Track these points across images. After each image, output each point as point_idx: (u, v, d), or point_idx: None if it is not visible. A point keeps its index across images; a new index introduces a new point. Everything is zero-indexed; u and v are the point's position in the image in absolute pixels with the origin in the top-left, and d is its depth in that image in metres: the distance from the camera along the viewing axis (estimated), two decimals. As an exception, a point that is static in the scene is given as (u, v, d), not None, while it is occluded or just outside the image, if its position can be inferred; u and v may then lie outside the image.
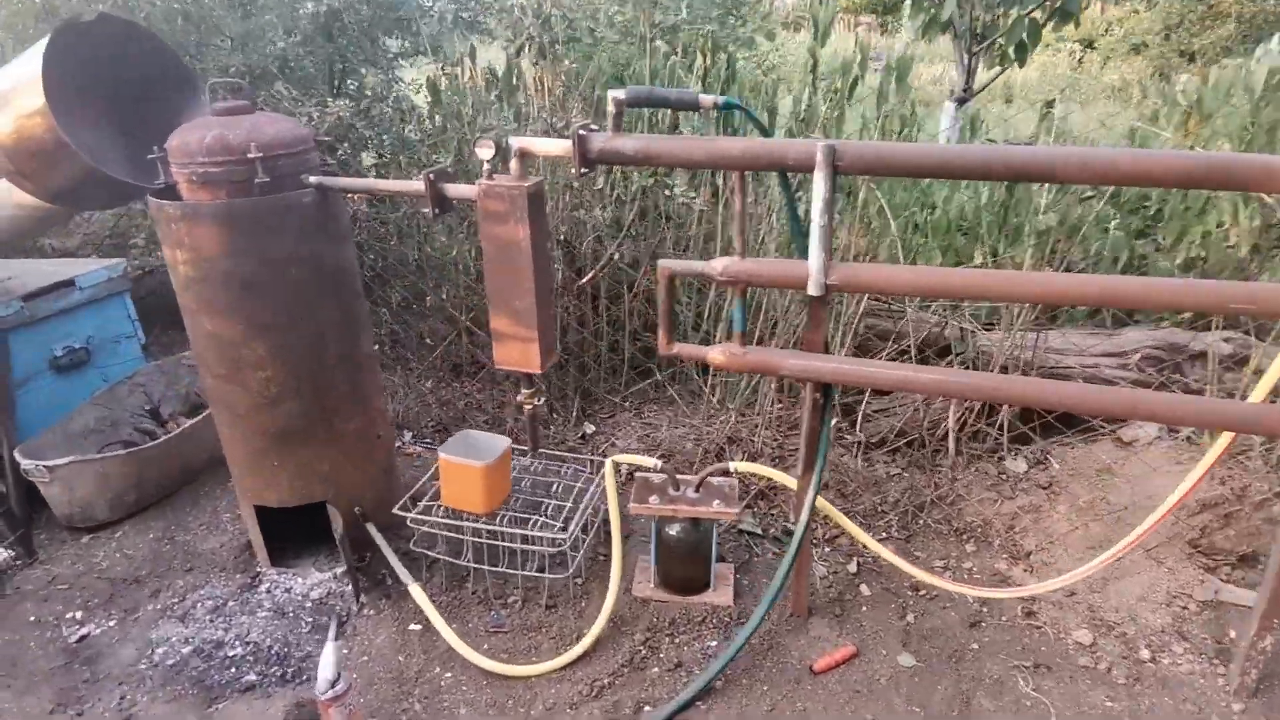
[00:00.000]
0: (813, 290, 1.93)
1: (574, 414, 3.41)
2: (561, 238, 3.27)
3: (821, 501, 2.34)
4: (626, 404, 3.55)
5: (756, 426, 3.15)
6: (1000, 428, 3.02)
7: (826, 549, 2.79)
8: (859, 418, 3.10)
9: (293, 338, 2.35)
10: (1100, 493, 2.79)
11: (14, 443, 2.94)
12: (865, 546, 2.59)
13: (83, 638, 2.46)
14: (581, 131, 1.95)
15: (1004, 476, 2.94)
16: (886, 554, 2.48)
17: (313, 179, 2.28)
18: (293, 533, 2.71)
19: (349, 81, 4.04)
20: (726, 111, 1.96)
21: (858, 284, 1.94)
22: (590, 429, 3.36)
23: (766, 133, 2.01)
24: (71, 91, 2.31)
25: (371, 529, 2.62)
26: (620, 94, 1.92)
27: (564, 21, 3.31)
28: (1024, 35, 3.86)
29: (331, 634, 2.28)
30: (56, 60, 2.25)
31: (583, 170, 2.00)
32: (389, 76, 3.97)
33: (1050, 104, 3.23)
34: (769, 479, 2.79)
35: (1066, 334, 3.23)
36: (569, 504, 2.62)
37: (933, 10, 4.17)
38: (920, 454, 3.05)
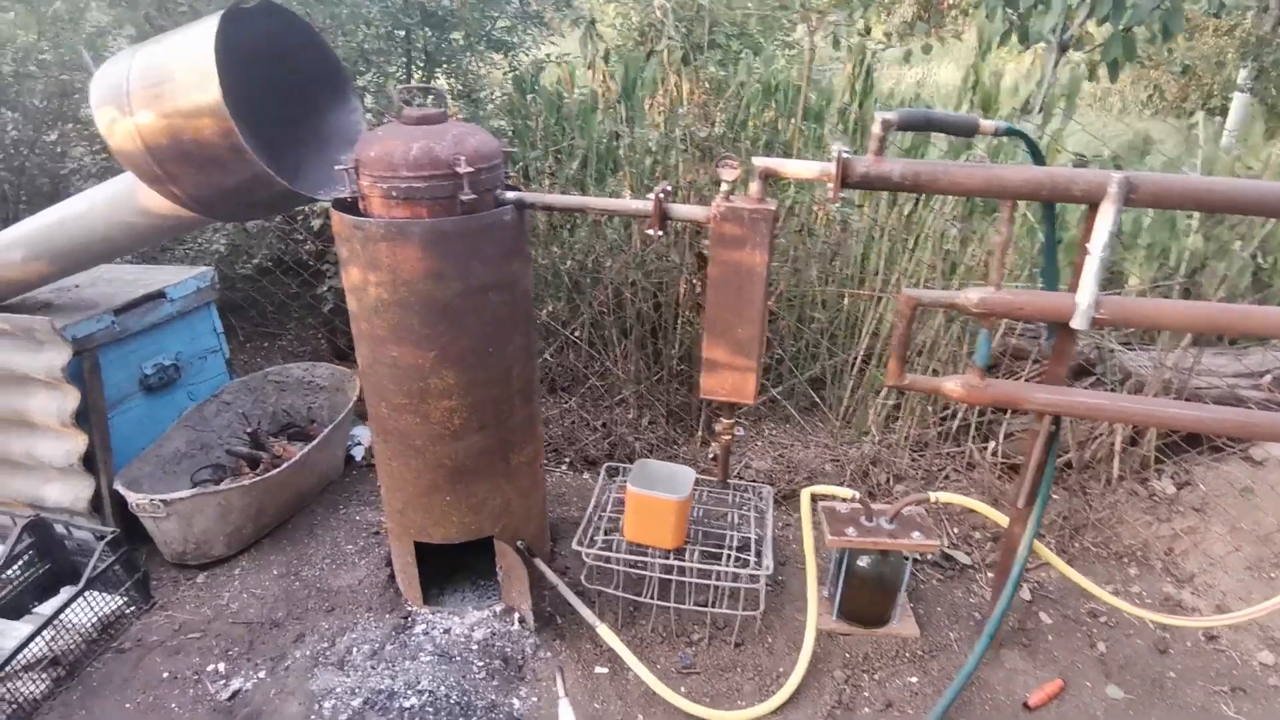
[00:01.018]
0: (1078, 324, 1.86)
1: (699, 433, 3.30)
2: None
3: (1038, 545, 2.29)
4: (744, 421, 3.45)
5: (894, 447, 3.10)
6: (1146, 448, 3.04)
7: (990, 574, 2.76)
8: (999, 437, 3.08)
9: (484, 367, 2.18)
10: (1248, 513, 2.83)
11: (112, 475, 2.67)
12: (1046, 566, 2.56)
13: (235, 694, 2.25)
14: (845, 154, 1.85)
15: (1155, 498, 2.96)
16: (1109, 598, 2.41)
17: (510, 195, 2.12)
18: (428, 568, 2.54)
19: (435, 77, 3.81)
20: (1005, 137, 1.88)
21: (1126, 318, 1.88)
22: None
23: (1040, 161, 1.94)
24: (231, 87, 2.07)
25: (541, 565, 2.46)
26: (891, 116, 1.82)
27: (707, 24, 3.17)
28: (1120, 51, 3.89)
29: (561, 689, 2.14)
30: (224, 50, 2.01)
31: (840, 196, 1.89)
32: (475, 74, 3.75)
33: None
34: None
35: (1198, 355, 3.26)
36: (752, 534, 2.51)
37: (1014, 18, 4.16)
38: (1067, 475, 3.04)
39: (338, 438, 3.11)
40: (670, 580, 2.42)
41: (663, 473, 2.44)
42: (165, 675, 2.30)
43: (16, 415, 2.62)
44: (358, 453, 3.37)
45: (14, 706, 2.13)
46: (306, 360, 3.58)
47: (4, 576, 2.44)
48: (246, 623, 2.49)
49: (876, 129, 1.84)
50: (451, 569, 2.62)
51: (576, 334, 3.42)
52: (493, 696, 2.23)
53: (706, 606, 2.42)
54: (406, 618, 2.51)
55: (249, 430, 3.07)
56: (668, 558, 2.38)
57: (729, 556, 2.42)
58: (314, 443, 2.90)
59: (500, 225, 2.09)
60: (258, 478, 2.70)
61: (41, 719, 2.16)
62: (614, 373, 3.43)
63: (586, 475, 3.25)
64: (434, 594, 2.57)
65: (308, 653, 2.38)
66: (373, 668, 2.33)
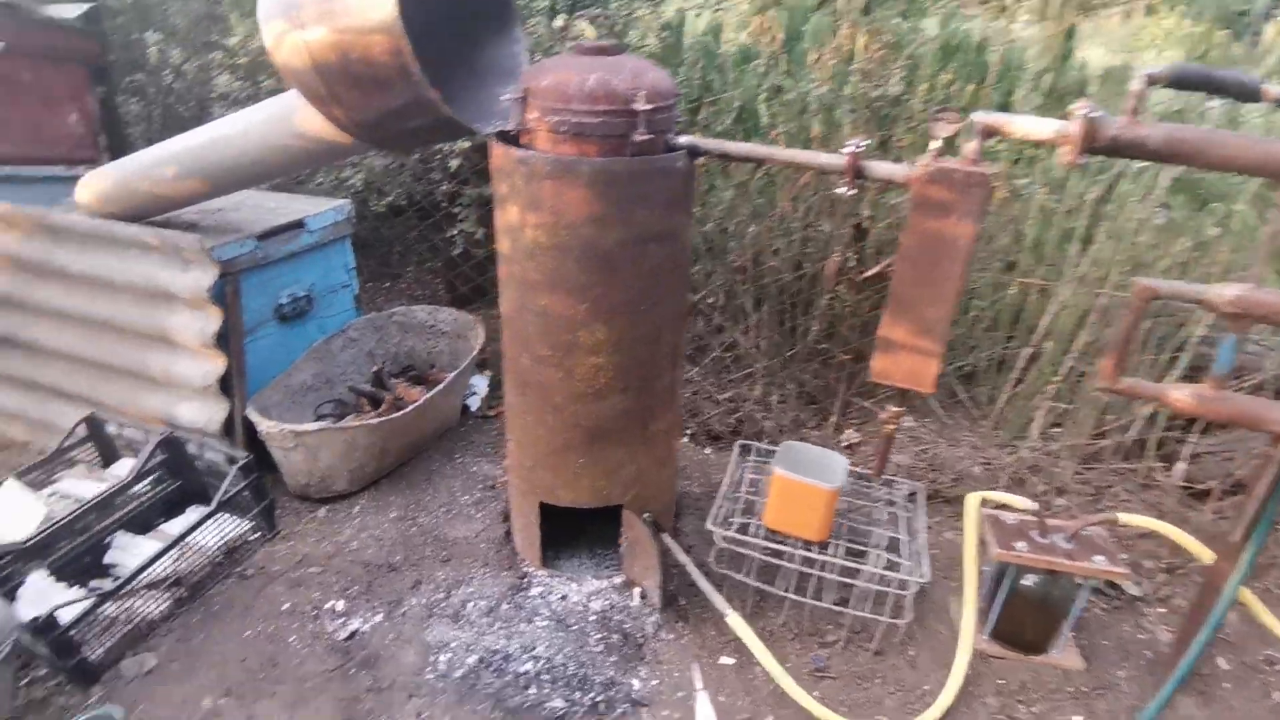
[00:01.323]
0: (1362, 337, 1.55)
1: (834, 418, 3.07)
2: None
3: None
4: (878, 409, 3.20)
5: (1056, 455, 2.80)
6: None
7: (1160, 609, 2.45)
8: (1185, 456, 2.73)
9: (637, 325, 2.02)
10: None
11: (245, 401, 2.67)
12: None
13: (352, 634, 2.20)
14: (1092, 114, 1.57)
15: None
16: None
17: (684, 139, 1.93)
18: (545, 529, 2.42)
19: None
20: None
21: None
22: (855, 437, 3.02)
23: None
24: (404, 7, 1.96)
25: (671, 543, 2.31)
26: (1160, 70, 1.53)
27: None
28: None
29: (698, 680, 2.00)
30: (395, -31, 1.90)
31: (1078, 162, 1.62)
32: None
33: None
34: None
35: None
36: (901, 534, 2.30)
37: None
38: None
39: (460, 385, 3.03)
40: (809, 574, 2.22)
41: (810, 457, 2.24)
42: (285, 607, 2.28)
43: (158, 332, 2.63)
44: (473, 403, 3.30)
45: (133, 625, 2.14)
46: (424, 305, 3.52)
47: (134, 491, 2.46)
48: (365, 563, 2.44)
49: (1137, 85, 1.56)
50: (567, 534, 2.50)
51: (709, 300, 3.23)
52: (611, 673, 2.11)
53: (845, 607, 2.22)
54: (523, 578, 2.41)
55: (374, 369, 3.03)
56: (809, 549, 2.19)
57: (878, 557, 2.21)
58: (439, 387, 2.83)
59: (671, 171, 1.91)
60: (384, 418, 2.64)
61: (159, 639, 2.17)
62: (744, 345, 3.23)
63: (709, 450, 3.08)
64: (549, 557, 2.46)
65: (423, 601, 2.32)
66: (488, 626, 2.24)
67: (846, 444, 3.00)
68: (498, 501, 2.73)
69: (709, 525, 2.23)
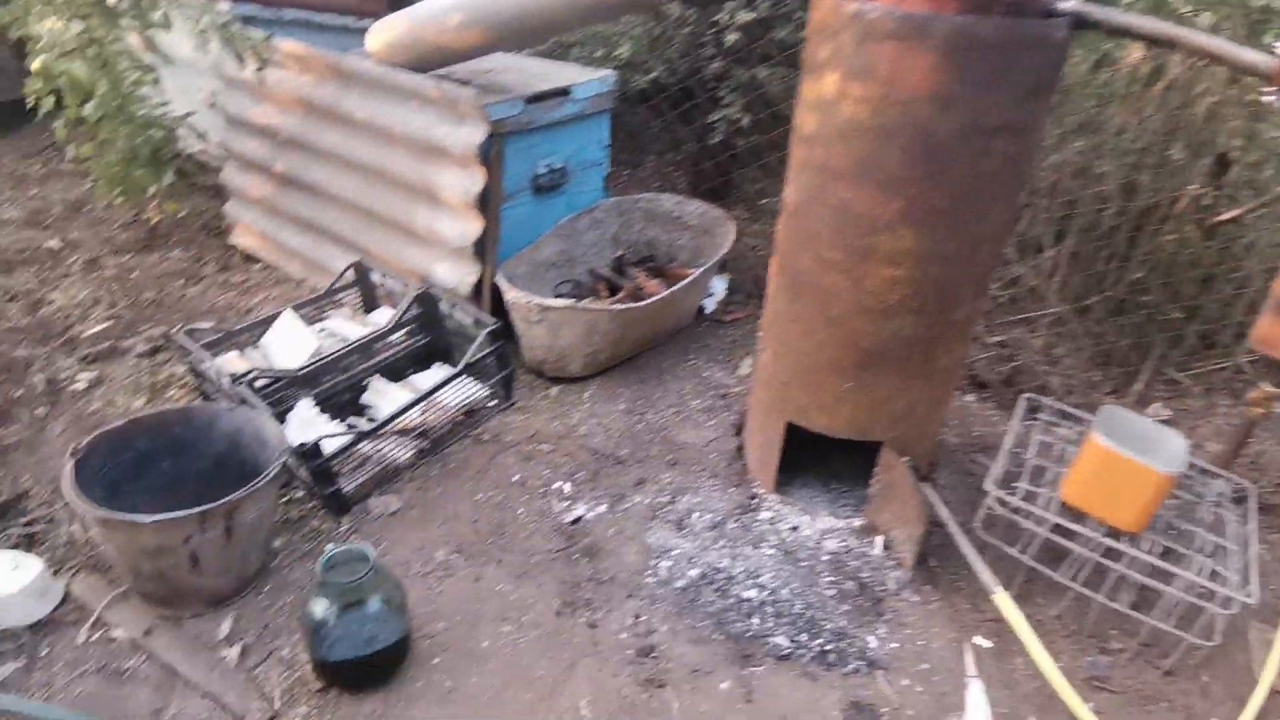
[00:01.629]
0: None
1: (1139, 385, 2.56)
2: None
3: None
4: (1196, 384, 2.63)
5: None
6: None
7: None
8: None
9: (952, 236, 1.67)
10: None
11: (495, 268, 2.65)
12: None
13: (577, 520, 2.15)
14: None
15: None
16: None
17: (1068, 4, 1.50)
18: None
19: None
20: None
21: None
22: (1164, 413, 2.50)
23: None
24: None
25: (932, 494, 2.02)
26: None
27: None
28: None
29: (971, 665, 1.75)
30: None
31: None
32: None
33: None
34: None
35: None
36: (1230, 543, 1.84)
37: None
38: None
39: (702, 284, 2.84)
40: (1107, 567, 1.84)
41: (1136, 429, 1.81)
42: (515, 478, 2.27)
43: (426, 187, 2.65)
44: (709, 304, 3.11)
45: (381, 466, 2.22)
46: (671, 194, 3.32)
47: (390, 340, 2.54)
48: (592, 450, 2.38)
49: None
50: (803, 460, 2.27)
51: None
52: (842, 623, 1.89)
53: (1141, 613, 1.82)
54: (752, 499, 2.23)
55: (617, 255, 2.92)
56: (1115, 538, 1.80)
57: (1200, 565, 1.77)
58: (685, 282, 2.65)
59: (1044, 44, 1.50)
60: (629, 305, 2.52)
61: (402, 485, 2.23)
62: (1033, 284, 2.74)
63: (970, 398, 2.69)
64: (781, 481, 2.25)
65: (647, 502, 2.22)
66: (712, 541, 2.10)
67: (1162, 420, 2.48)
68: (730, 412, 2.55)
69: (987, 486, 1.90)
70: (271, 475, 1.76)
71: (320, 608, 1.60)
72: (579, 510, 2.17)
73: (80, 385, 2.60)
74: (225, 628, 1.80)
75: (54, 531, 2.03)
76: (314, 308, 2.72)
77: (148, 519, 1.57)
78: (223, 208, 3.49)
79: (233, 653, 1.74)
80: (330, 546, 1.96)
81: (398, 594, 1.68)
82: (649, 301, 2.53)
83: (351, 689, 1.68)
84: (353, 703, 1.66)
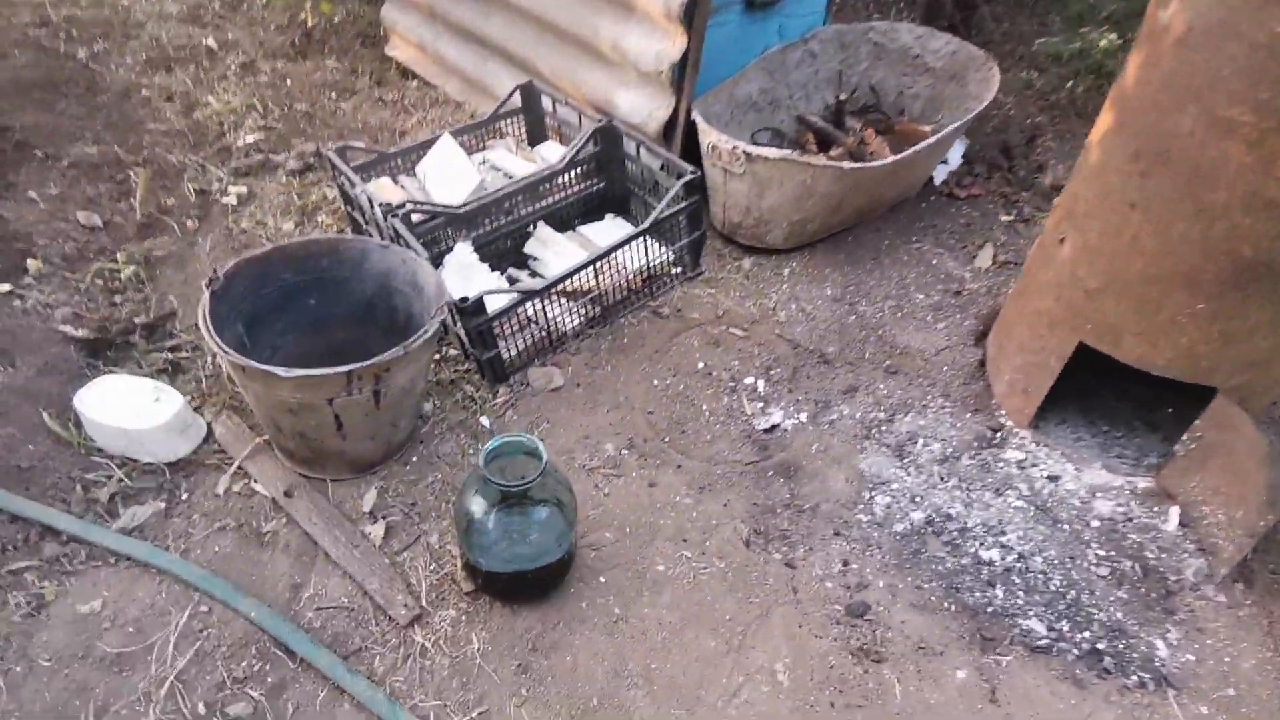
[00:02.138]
0: None
1: None
2: None
3: None
4: None
5: None
6: None
7: None
8: None
9: None
10: None
11: (691, 101, 2.15)
12: None
13: (773, 428, 1.77)
14: None
15: None
16: None
17: None
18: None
19: None
20: None
21: None
22: None
23: None
24: None
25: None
26: None
27: None
28: None
29: None
30: None
31: None
32: None
33: None
34: None
35: None
36: None
37: None
38: None
39: (946, 146, 2.24)
40: None
41: None
42: (700, 366, 1.90)
43: (617, -8, 2.13)
44: (939, 174, 2.50)
45: (546, 332, 1.88)
46: (910, 24, 2.63)
47: (560, 181, 2.14)
48: (792, 342, 1.95)
49: None
50: (1072, 392, 1.75)
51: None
52: (1119, 615, 1.45)
53: None
54: (995, 432, 1.76)
55: (837, 99, 2.33)
56: None
57: None
58: (932, 140, 2.06)
59: None
60: (863, 164, 1.98)
61: (567, 357, 1.90)
62: None
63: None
64: (1037, 415, 1.77)
65: (858, 416, 1.79)
66: (940, 478, 1.67)
67: None
68: (966, 315, 2.03)
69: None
70: (429, 334, 1.45)
71: (478, 507, 1.31)
72: (775, 416, 1.78)
73: (231, 200, 2.39)
74: (369, 499, 1.58)
75: (199, 361, 1.86)
76: (474, 135, 2.34)
77: (287, 373, 1.31)
78: (380, 12, 3.11)
79: (376, 531, 1.52)
80: (487, 421, 1.68)
81: (569, 502, 1.37)
82: (887, 162, 1.98)
83: (505, 599, 1.43)
84: (506, 614, 1.41)
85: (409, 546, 1.51)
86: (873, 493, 1.64)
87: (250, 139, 2.67)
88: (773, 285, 2.10)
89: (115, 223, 2.23)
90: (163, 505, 1.55)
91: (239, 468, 1.60)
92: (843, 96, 2.33)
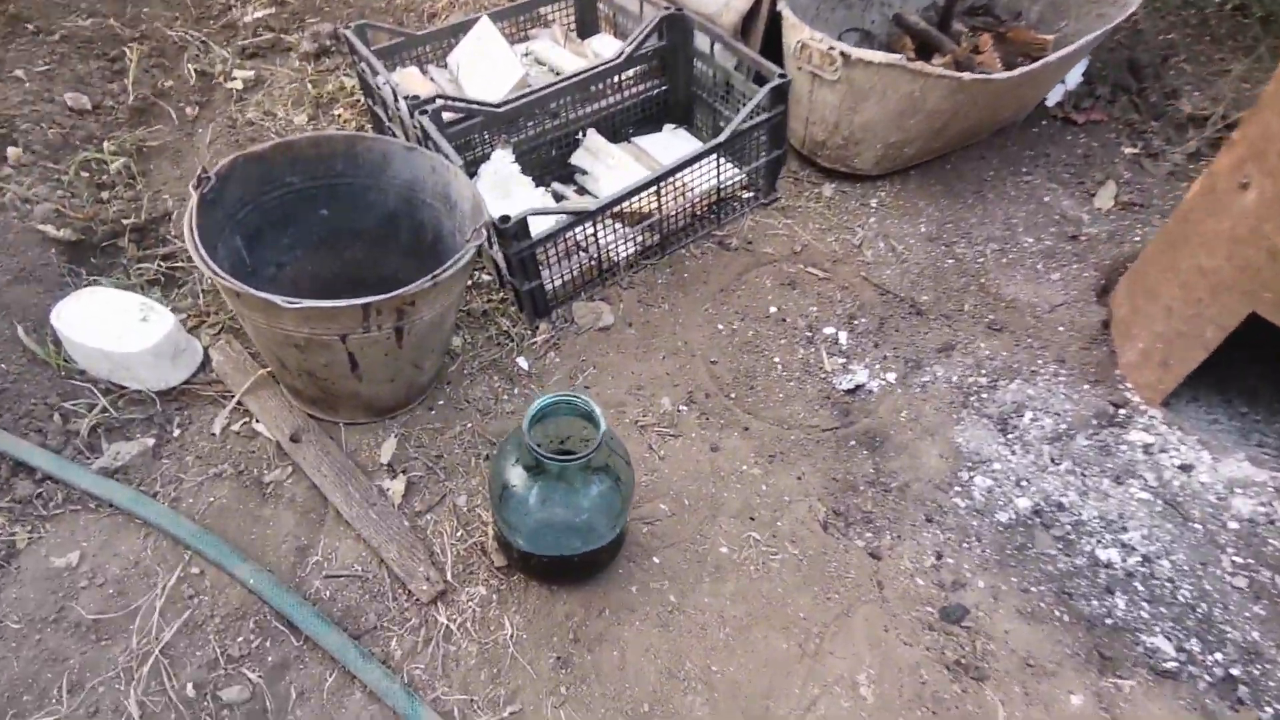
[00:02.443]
0: None
1: None
2: None
3: None
4: None
5: None
6: None
7: None
8: None
9: None
10: None
11: (777, -12, 1.80)
12: None
13: (856, 389, 1.52)
14: None
15: None
16: None
17: None
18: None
19: None
20: None
21: None
22: None
23: None
24: None
25: None
26: None
27: None
28: None
29: None
30: None
31: None
32: None
33: None
34: None
35: None
36: None
37: None
38: None
39: (1073, 60, 1.88)
40: None
41: None
42: (772, 310, 1.63)
43: None
44: (1054, 95, 2.15)
45: (596, 260, 1.62)
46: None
47: (615, 81, 1.83)
48: (879, 287, 1.68)
49: None
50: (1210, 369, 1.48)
51: None
52: (1255, 635, 1.23)
53: None
54: (1119, 408, 1.50)
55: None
56: None
57: None
58: (1064, 53, 1.70)
59: None
60: (987, 75, 1.64)
61: (618, 291, 1.65)
62: None
63: None
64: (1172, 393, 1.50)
65: (955, 379, 1.54)
66: (1051, 459, 1.43)
67: None
68: (1085, 265, 1.74)
69: None
70: (463, 262, 1.19)
71: (518, 477, 1.09)
72: (858, 374, 1.53)
73: (236, 84, 2.10)
74: (388, 449, 1.36)
75: (196, 274, 1.62)
76: (514, 21, 2.02)
77: (291, 304, 1.06)
78: None
79: (395, 487, 1.31)
80: (524, 362, 1.46)
81: (627, 478, 1.14)
82: (1015, 74, 1.64)
83: (543, 580, 1.23)
84: (544, 596, 1.21)
85: (432, 508, 1.30)
86: (972, 473, 1.41)
87: (261, 13, 2.34)
88: (858, 218, 1.81)
89: (106, 106, 1.96)
90: (151, 443, 1.34)
91: (239, 404, 1.39)
92: (949, -5, 1.96)
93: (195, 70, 2.11)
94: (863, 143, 1.77)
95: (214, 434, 1.36)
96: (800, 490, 1.36)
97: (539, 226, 1.45)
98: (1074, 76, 2.18)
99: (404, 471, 1.33)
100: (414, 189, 1.41)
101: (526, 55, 1.95)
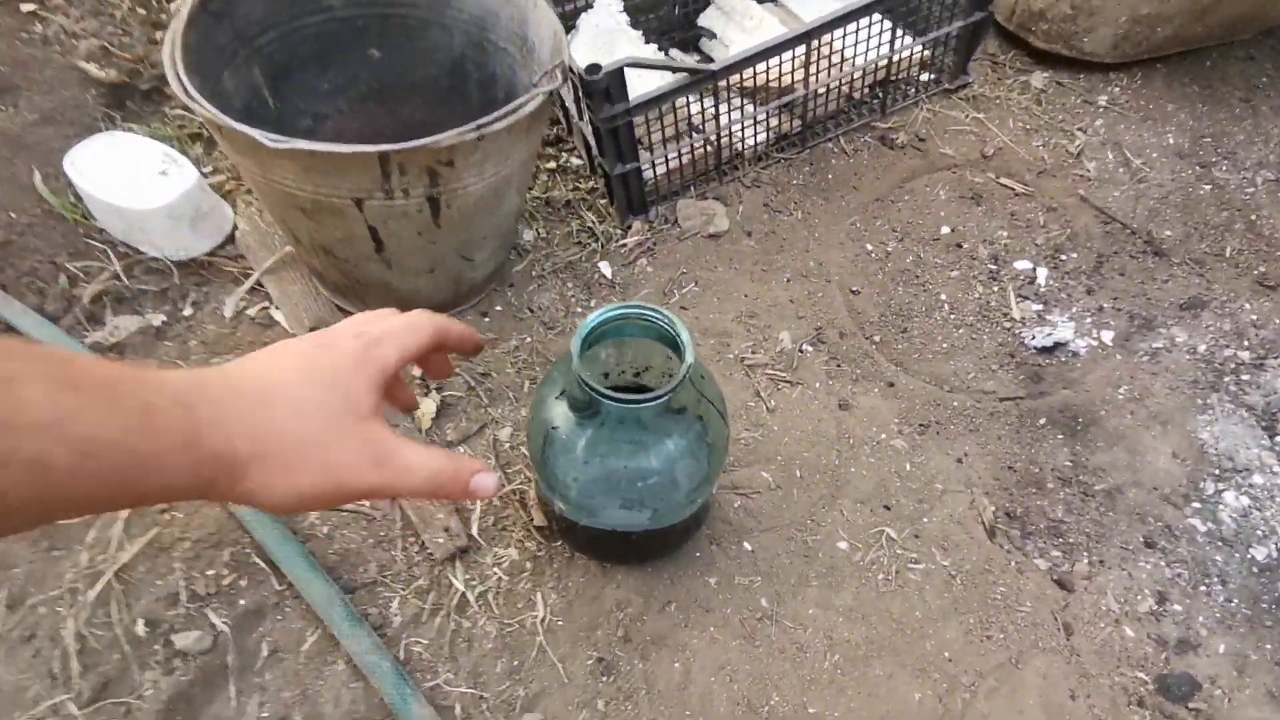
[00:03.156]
0: None
1: None
2: None
3: None
4: None
5: None
6: None
7: None
8: None
9: None
10: None
11: None
12: None
13: (1054, 347, 1.10)
14: None
15: None
16: None
17: None
18: None
19: None
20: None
21: None
22: None
23: None
24: None
25: None
26: None
27: None
28: None
29: None
30: None
31: None
32: None
33: None
34: None
35: None
36: None
37: None
38: None
39: None
40: None
41: None
42: (945, 231, 1.21)
43: None
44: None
45: (714, 145, 1.24)
46: None
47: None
48: (1103, 213, 1.22)
49: None
50: None
51: None
52: None
53: None
54: None
55: None
56: None
57: None
58: None
59: None
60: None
61: (738, 190, 1.27)
62: None
63: None
64: None
65: (1202, 350, 1.08)
66: (1348, 481, 0.98)
67: None
68: None
69: None
70: (528, 110, 0.87)
71: (564, 418, 0.78)
72: (1060, 329, 1.10)
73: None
74: (424, 359, 1.09)
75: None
76: None
77: (278, 143, 0.78)
78: None
79: (425, 406, 1.03)
80: (608, 269, 1.16)
81: (719, 430, 0.80)
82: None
83: (592, 555, 0.93)
84: (592, 574, 0.91)
85: (468, 439, 1.02)
86: (1220, 485, 0.98)
87: None
88: (1079, 119, 1.33)
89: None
90: (159, 321, 1.12)
91: (257, 284, 1.15)
92: None
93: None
94: (1100, 12, 1.28)
95: (226, 317, 1.13)
96: (960, 477, 0.98)
97: (641, 88, 1.10)
98: None
99: (439, 389, 1.05)
100: (485, 27, 1.08)
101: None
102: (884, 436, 1.01)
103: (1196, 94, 1.38)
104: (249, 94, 1.02)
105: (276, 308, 1.12)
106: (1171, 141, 1.30)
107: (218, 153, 1.35)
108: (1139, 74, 1.39)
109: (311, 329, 1.08)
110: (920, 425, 1.02)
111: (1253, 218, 1.22)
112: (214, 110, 0.80)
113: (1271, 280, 1.15)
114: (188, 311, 1.14)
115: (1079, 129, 1.32)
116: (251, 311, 1.13)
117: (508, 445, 1.01)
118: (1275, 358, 1.08)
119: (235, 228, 1.22)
